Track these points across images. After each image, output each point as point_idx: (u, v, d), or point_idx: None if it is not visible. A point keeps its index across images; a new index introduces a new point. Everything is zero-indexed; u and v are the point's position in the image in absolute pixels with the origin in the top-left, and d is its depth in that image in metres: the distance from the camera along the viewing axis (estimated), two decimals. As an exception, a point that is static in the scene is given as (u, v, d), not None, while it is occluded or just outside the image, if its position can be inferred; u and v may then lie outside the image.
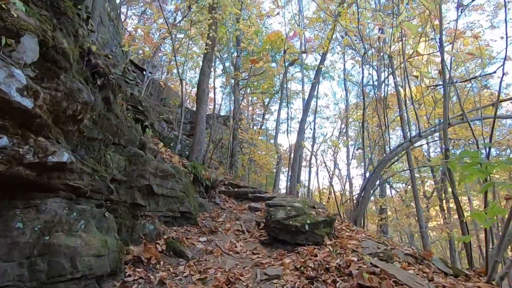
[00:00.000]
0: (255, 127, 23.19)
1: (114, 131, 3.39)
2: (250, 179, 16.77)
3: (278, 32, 21.96)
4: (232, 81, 13.81)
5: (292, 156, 13.96)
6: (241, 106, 19.77)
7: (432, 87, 10.74)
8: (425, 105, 10.80)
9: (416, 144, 10.23)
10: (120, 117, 3.46)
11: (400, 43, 9.20)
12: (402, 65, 11.15)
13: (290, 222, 4.25)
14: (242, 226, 5.03)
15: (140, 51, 21.14)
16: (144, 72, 19.30)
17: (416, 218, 17.67)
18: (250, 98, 25.89)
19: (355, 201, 8.93)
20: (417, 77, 9.36)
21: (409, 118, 9.84)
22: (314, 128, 12.40)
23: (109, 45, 14.67)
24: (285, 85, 15.33)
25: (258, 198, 6.69)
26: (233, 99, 13.38)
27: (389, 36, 9.76)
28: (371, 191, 8.80)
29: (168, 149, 10.47)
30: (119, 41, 14.17)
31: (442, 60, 6.08)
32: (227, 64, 20.15)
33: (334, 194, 9.54)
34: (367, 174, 10.09)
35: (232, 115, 13.18)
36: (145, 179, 4.07)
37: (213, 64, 11.02)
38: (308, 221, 4.32)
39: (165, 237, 4.13)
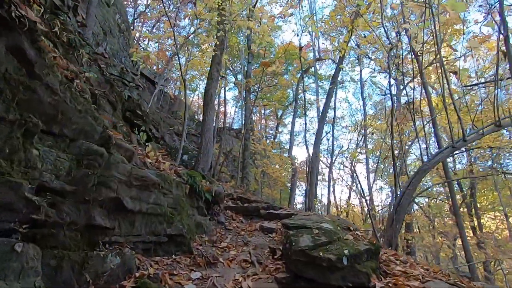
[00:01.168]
0: (268, 140, 21.84)
1: (47, 113, 2.10)
2: (263, 193, 15.27)
3: (291, 42, 20.96)
4: (240, 78, 12.62)
5: (308, 168, 12.48)
6: (253, 117, 18.53)
7: (472, 86, 9.16)
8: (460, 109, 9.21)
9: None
10: (61, 94, 2.17)
11: (430, 36, 7.80)
12: (432, 62, 9.66)
13: (321, 254, 2.78)
14: (252, 255, 3.57)
15: (154, 67, 20.42)
16: (156, 85, 18.45)
17: (443, 236, 15.63)
18: (263, 111, 24.69)
19: (387, 218, 7.34)
20: (455, 73, 7.87)
21: (447, 120, 8.29)
22: (333, 139, 10.95)
23: (118, 55, 13.78)
24: (300, 91, 14.02)
25: (272, 216, 5.25)
26: (244, 108, 12.12)
27: (417, 30, 8.25)
28: (407, 206, 7.21)
29: (164, 156, 9.19)
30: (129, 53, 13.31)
31: (507, 38, 4.59)
32: (239, 77, 19.11)
33: (369, 210, 7.96)
34: (400, 187, 8.48)
35: (243, 124, 11.88)
36: (110, 189, 2.72)
37: (222, 69, 9.83)
38: (346, 251, 2.84)
39: (138, 274, 2.73)
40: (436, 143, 9.17)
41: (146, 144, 8.59)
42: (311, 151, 20.64)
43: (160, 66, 20.11)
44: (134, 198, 3.12)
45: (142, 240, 3.22)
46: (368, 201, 8.49)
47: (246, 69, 12.43)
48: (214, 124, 8.81)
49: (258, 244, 3.98)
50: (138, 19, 21.74)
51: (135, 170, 3.07)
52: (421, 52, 8.64)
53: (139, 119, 7.51)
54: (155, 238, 3.38)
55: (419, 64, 9.24)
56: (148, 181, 3.26)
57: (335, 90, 12.49)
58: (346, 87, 20.96)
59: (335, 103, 11.23)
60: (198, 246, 3.80)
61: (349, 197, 19.67)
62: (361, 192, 11.86)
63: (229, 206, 5.52)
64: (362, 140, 19.23)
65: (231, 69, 19.53)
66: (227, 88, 21.80)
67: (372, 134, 19.28)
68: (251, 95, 11.33)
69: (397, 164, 8.77)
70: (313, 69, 20.04)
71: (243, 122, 11.24)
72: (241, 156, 11.07)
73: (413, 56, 9.51)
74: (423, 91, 10.09)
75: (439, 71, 7.01)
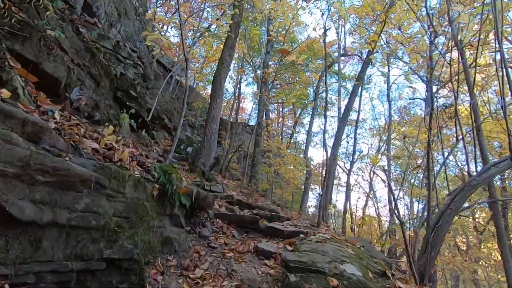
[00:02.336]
0: (284, 140, 20.38)
1: None
2: (274, 194, 13.90)
3: (316, 38, 19.36)
4: (259, 73, 11.26)
5: (325, 172, 11.02)
6: (270, 114, 17.14)
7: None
8: None
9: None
10: None
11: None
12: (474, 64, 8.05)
13: None
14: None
15: (174, 58, 19.42)
16: (172, 74, 17.41)
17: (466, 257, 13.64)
18: (281, 109, 23.25)
19: (422, 243, 5.83)
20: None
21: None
22: (355, 142, 9.42)
23: (132, 39, 12.75)
24: (322, 88, 12.50)
25: (273, 232, 3.89)
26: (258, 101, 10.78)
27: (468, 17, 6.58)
28: (447, 229, 5.67)
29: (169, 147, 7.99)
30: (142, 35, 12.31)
31: None
32: (259, 72, 17.77)
33: (403, 231, 6.47)
34: (437, 204, 6.95)
35: (256, 119, 10.54)
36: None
37: (234, 53, 8.53)
38: None
39: None
40: (479, 153, 7.47)
41: (141, 130, 7.44)
42: (328, 153, 19.06)
43: (180, 56, 19.09)
44: (41, 203, 1.86)
45: (54, 269, 1.97)
46: (397, 214, 6.96)
47: (263, 58, 11.07)
48: (222, 116, 7.58)
49: (246, 279, 2.64)
50: (161, 7, 20.84)
51: (41, 157, 1.81)
52: (470, 45, 6.97)
53: (132, 102, 6.34)
54: (81, 265, 2.11)
55: (464, 61, 7.53)
56: (71, 176, 2.00)
57: (360, 88, 10.92)
58: (370, 88, 19.18)
59: (360, 102, 9.72)
60: (157, 276, 2.52)
61: (365, 205, 17.96)
62: (394, 205, 10.30)
63: (222, 214, 4.20)
64: (384, 146, 17.46)
65: (251, 63, 18.21)
66: (245, 82, 20.56)
67: (395, 138, 17.45)
68: (269, 87, 9.97)
69: (432, 175, 7.18)
70: (336, 67, 18.43)
71: (258, 116, 9.92)
72: (250, 151, 9.75)
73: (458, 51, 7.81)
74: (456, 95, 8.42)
75: (498, 67, 5.36)
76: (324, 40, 6.89)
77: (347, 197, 11.30)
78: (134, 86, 6.25)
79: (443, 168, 8.76)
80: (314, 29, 8.98)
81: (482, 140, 7.92)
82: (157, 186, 2.99)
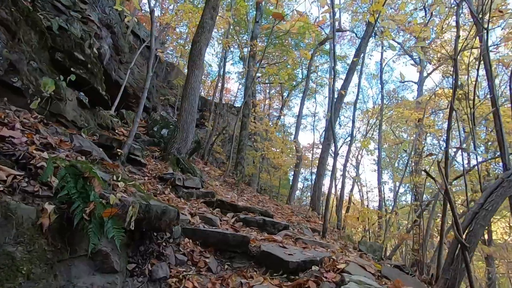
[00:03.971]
0: (270, 122, 18.87)
1: None
2: (261, 179, 12.55)
3: (304, 17, 17.51)
4: (246, 51, 9.55)
5: (317, 157, 9.64)
6: (257, 95, 15.47)
7: None
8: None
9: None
10: None
11: None
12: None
13: None
14: None
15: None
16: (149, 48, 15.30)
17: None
18: (267, 90, 21.57)
19: (448, 251, 4.59)
20: None
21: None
22: (353, 124, 8.01)
23: (100, 3, 10.59)
24: (314, 67, 10.94)
25: (271, 262, 2.41)
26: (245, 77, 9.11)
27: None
28: (481, 234, 4.41)
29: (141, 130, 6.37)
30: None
31: None
32: (245, 51, 15.88)
33: (423, 244, 5.17)
34: (474, 204, 5.59)
35: (243, 99, 8.91)
36: None
37: (217, 14, 6.76)
38: None
39: None
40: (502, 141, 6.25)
41: (98, 108, 5.71)
42: (317, 137, 17.70)
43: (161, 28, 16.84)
44: None
45: None
46: (458, 236, 5.72)
47: (252, 29, 9.33)
48: (206, 96, 5.93)
49: None
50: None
51: None
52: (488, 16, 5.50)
53: (80, 68, 4.58)
54: None
55: (480, 34, 6.07)
56: None
57: (361, 66, 9.44)
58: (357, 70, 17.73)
59: (359, 81, 8.25)
60: None
61: (351, 190, 16.91)
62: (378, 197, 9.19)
63: (194, 230, 2.68)
64: (372, 129, 16.28)
65: (238, 40, 16.27)
66: (231, 62, 18.64)
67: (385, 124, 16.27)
68: (255, 56, 8.30)
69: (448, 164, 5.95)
70: (327, 46, 16.79)
71: (244, 94, 8.29)
72: (236, 135, 8.21)
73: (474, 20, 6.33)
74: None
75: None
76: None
77: (332, 181, 10.03)
78: (81, 47, 4.48)
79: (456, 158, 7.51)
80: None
81: (502, 127, 6.68)
82: (52, 207, 1.43)
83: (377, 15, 7.67)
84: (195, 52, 6.10)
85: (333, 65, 5.57)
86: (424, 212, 9.28)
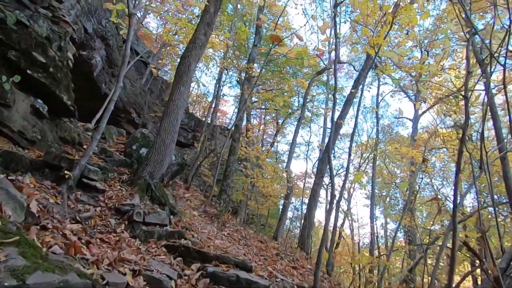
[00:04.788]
0: (263, 148, 18.14)
1: None
2: (249, 207, 11.56)
3: (304, 47, 17.37)
4: (243, 75, 8.96)
5: (310, 191, 8.81)
6: (251, 119, 14.85)
7: None
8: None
9: None
10: None
11: None
12: None
13: None
14: None
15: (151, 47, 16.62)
16: (148, 66, 14.81)
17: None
18: (263, 116, 21.05)
19: None
20: None
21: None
22: (349, 157, 7.27)
23: (97, 14, 10.07)
24: (310, 97, 10.39)
25: None
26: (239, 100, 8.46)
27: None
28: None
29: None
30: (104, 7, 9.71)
31: None
32: (243, 75, 15.42)
33: None
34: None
35: (234, 121, 8.18)
36: None
37: (211, 32, 6.18)
38: None
39: None
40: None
41: (63, 119, 4.88)
42: (309, 166, 16.93)
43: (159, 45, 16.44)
44: None
45: None
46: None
47: (250, 52, 8.83)
48: (201, 117, 5.16)
49: None
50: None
51: None
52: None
53: (39, 71, 3.83)
54: None
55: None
56: None
57: (359, 98, 8.88)
58: (355, 103, 17.38)
59: (357, 113, 7.62)
60: None
61: (342, 224, 15.97)
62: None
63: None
64: (368, 163, 15.59)
65: (236, 65, 15.89)
66: (228, 85, 18.19)
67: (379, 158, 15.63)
68: (250, 79, 7.67)
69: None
70: (324, 77, 16.52)
71: (236, 117, 7.58)
72: (224, 159, 7.39)
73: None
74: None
75: None
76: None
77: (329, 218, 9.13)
78: (44, 48, 3.75)
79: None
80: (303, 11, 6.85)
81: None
82: None
83: (378, 49, 7.16)
84: (183, 67, 5.42)
85: (334, 91, 4.92)
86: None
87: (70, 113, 4.45)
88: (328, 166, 5.74)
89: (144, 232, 3.18)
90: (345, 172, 15.85)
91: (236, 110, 18.51)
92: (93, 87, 10.55)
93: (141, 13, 16.47)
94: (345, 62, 12.18)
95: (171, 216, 4.37)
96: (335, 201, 4.45)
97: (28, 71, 3.60)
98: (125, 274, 2.05)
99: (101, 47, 10.75)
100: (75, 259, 1.84)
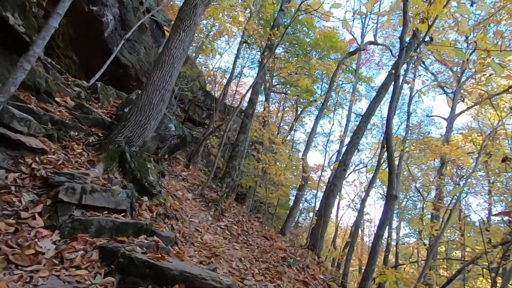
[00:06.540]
0: (279, 135, 16.63)
1: None
2: (258, 194, 10.26)
3: (334, 32, 15.44)
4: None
5: (327, 186, 7.35)
6: (269, 97, 13.30)
7: None
8: None
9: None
10: None
11: None
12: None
13: None
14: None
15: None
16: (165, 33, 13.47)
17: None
18: (282, 102, 19.43)
19: None
20: None
21: None
22: (382, 150, 5.71)
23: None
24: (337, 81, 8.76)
25: None
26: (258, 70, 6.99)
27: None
28: None
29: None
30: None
31: None
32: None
33: None
34: None
35: (250, 86, 6.64)
36: None
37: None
38: None
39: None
40: None
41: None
42: (327, 159, 15.30)
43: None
44: None
45: None
46: None
47: (275, 17, 7.28)
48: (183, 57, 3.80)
49: None
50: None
51: None
52: None
53: None
54: None
55: None
56: None
57: (400, 80, 7.19)
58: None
59: (392, 99, 5.96)
60: None
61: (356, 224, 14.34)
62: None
63: None
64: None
65: (258, 35, 14.12)
66: (248, 64, 16.65)
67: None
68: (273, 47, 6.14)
69: None
70: (354, 64, 14.62)
71: (251, 87, 6.11)
72: (225, 136, 6.03)
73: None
74: None
75: None
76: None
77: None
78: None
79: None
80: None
81: None
82: None
83: (433, 20, 5.33)
84: (186, 9, 4.02)
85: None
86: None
87: (24, 45, 3.15)
88: (386, 153, 4.34)
89: (74, 221, 1.86)
90: (364, 168, 14.09)
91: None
92: (104, 49, 9.33)
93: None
94: (380, 44, 10.34)
95: (146, 199, 3.07)
96: (391, 198, 2.98)
97: None
98: None
99: (114, 5, 9.45)
100: None
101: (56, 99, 4.02)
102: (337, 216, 15.82)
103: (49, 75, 4.29)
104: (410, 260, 11.37)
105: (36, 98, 3.54)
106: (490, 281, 4.56)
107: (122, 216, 2.28)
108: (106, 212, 2.17)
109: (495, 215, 7.94)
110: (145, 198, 3.05)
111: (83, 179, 2.24)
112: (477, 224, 9.89)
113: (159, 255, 1.86)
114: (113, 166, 3.09)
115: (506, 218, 4.72)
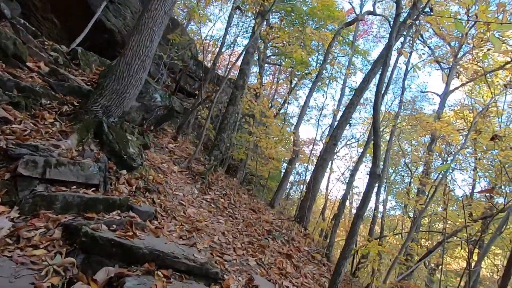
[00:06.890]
0: (273, 108, 16.32)
1: None
2: (249, 166, 10.25)
3: (332, 0, 14.58)
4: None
5: (317, 160, 7.30)
6: (263, 69, 12.81)
7: None
8: None
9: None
10: None
11: None
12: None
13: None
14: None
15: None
16: None
17: None
18: (276, 75, 18.88)
19: None
20: None
21: None
22: (376, 123, 5.60)
23: None
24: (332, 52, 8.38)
25: None
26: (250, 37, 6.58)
27: None
28: None
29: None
30: None
31: None
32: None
33: None
34: None
35: (241, 52, 6.29)
36: None
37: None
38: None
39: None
40: None
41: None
42: (319, 133, 15.23)
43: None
44: None
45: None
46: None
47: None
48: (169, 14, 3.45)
49: None
50: None
51: None
52: None
53: None
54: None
55: None
56: None
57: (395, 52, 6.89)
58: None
59: (391, 70, 5.76)
60: None
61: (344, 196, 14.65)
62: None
63: None
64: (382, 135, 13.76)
65: (254, 10, 13.42)
66: (242, 32, 15.84)
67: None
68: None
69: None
70: (351, 38, 14.04)
71: (242, 53, 5.77)
72: (214, 108, 5.81)
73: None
74: None
75: None
76: None
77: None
78: None
79: None
80: None
81: None
82: None
83: None
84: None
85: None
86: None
87: None
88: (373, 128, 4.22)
89: (36, 196, 1.72)
90: (356, 142, 14.09)
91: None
92: (86, 11, 8.66)
93: None
94: (379, 14, 9.82)
95: (125, 172, 2.93)
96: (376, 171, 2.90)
97: None
98: None
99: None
100: None
101: (28, 64, 3.70)
102: (327, 189, 16.11)
103: (20, 38, 3.92)
104: (394, 232, 11.80)
105: (2, 62, 3.23)
106: (467, 251, 4.71)
107: (93, 191, 2.15)
108: (74, 187, 2.03)
109: (479, 192, 8.10)
110: (124, 171, 2.90)
111: (50, 151, 2.06)
112: (460, 199, 10.16)
113: (130, 233, 1.75)
114: (89, 137, 2.89)
115: (488, 194, 4.77)
